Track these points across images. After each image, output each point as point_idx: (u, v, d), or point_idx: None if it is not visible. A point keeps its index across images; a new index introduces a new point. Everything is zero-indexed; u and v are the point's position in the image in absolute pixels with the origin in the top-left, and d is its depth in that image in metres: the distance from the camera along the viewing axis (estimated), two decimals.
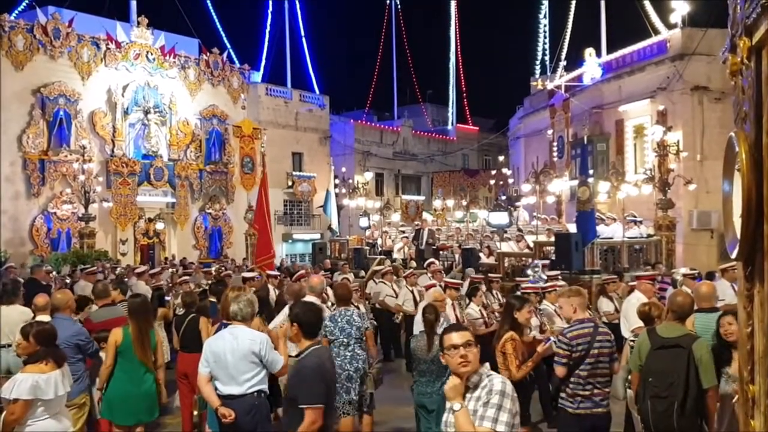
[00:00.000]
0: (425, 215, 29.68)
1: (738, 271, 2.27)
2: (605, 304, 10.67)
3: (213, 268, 18.00)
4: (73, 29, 26.12)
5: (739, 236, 2.04)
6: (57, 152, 25.26)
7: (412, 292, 12.81)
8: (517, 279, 12.96)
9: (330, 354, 5.16)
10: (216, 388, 5.48)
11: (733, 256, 2.13)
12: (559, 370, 5.65)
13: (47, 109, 25.17)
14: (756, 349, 2.03)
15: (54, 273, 15.64)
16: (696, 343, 5.30)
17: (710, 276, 11.69)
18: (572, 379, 5.60)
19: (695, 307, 6.17)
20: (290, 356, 6.50)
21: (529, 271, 13.72)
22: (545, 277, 12.00)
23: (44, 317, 6.60)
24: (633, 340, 6.29)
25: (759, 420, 1.97)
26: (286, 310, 7.81)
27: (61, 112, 25.48)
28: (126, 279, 13.39)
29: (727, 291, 9.53)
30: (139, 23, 28.21)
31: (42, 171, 25.01)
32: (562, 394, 5.68)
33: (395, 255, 20.33)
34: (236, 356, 5.43)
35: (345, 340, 7.11)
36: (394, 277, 14.10)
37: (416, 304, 12.19)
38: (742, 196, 1.98)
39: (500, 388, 3.52)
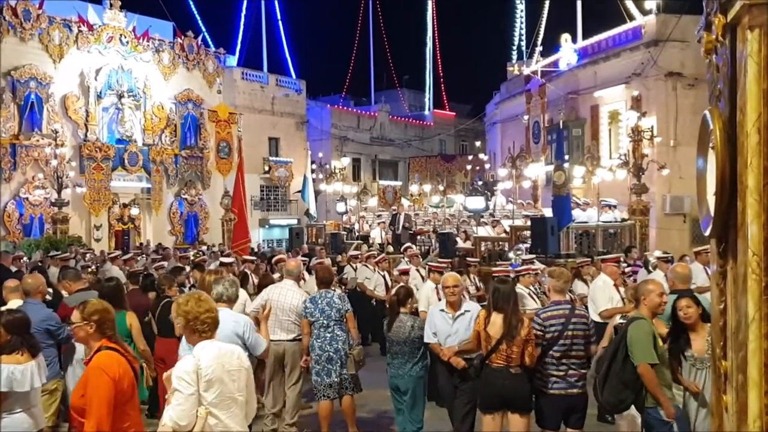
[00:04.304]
0: (402, 200, 29.68)
1: (712, 248, 2.28)
2: (580, 287, 10.71)
3: (191, 254, 17.84)
4: (44, 11, 25.60)
5: (712, 213, 2.05)
6: (28, 136, 24.84)
7: (384, 276, 12.81)
8: (493, 263, 12.98)
9: None
10: None
11: (707, 233, 2.14)
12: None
13: (18, 92, 24.68)
14: (728, 325, 2.05)
15: (25, 259, 15.41)
16: (632, 323, 5.31)
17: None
18: (546, 360, 5.65)
19: (670, 288, 6.20)
20: (272, 340, 6.50)
21: (511, 254, 13.79)
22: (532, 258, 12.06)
23: (17, 302, 6.49)
24: (621, 322, 6.27)
25: (731, 395, 1.99)
26: (263, 294, 7.79)
27: (33, 96, 25.01)
28: (100, 265, 13.25)
29: (700, 274, 9.57)
30: (111, 5, 27.71)
31: (13, 155, 24.56)
32: (537, 374, 5.73)
33: (372, 240, 20.35)
34: (219, 338, 5.41)
35: (325, 321, 7.11)
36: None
37: (388, 288, 12.18)
38: (716, 174, 1.99)
39: None
